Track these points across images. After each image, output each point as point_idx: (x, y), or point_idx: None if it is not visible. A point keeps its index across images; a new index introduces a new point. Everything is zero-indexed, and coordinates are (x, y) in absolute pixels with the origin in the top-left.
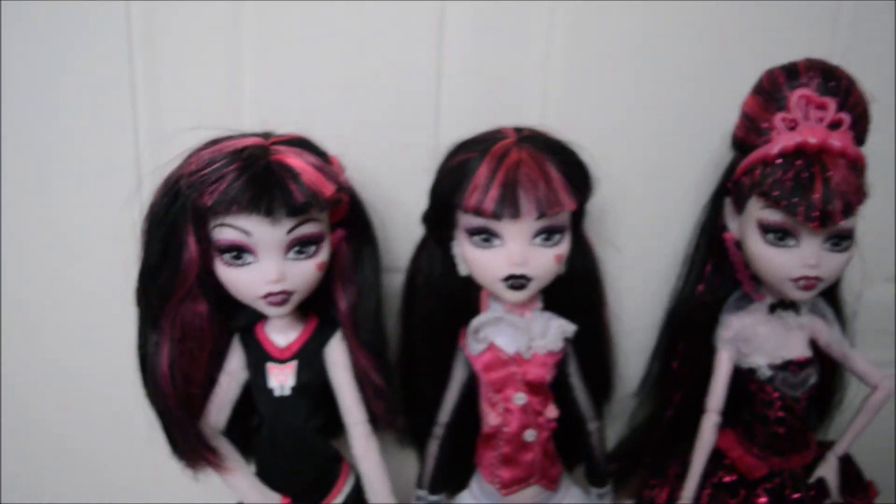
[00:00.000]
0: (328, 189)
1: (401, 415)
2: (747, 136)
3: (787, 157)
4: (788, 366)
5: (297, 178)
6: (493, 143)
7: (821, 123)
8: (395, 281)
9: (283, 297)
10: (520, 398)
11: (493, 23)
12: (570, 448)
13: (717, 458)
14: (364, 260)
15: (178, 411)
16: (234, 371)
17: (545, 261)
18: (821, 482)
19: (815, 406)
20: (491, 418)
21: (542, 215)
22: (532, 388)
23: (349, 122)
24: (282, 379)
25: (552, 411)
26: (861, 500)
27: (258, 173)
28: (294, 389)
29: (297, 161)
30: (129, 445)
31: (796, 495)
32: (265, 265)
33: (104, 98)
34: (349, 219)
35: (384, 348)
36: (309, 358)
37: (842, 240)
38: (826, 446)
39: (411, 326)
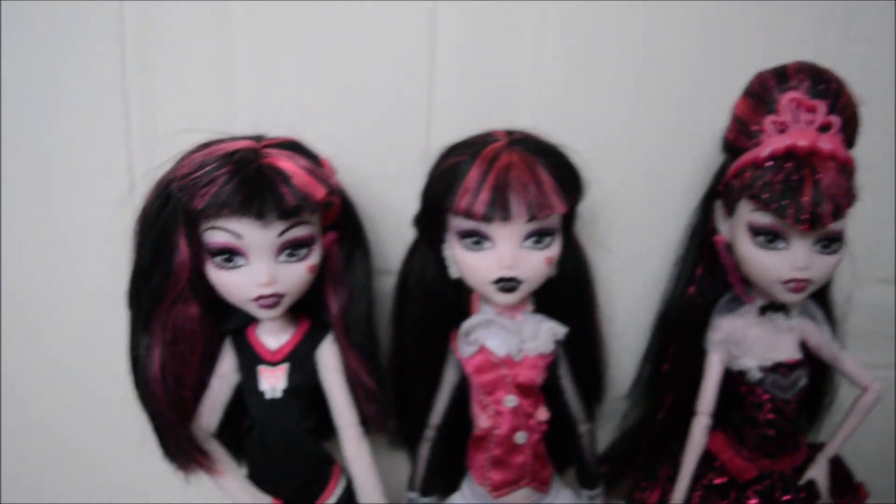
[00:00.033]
0: (319, 192)
1: (392, 417)
2: (737, 138)
3: (777, 159)
4: (778, 368)
5: (288, 181)
6: (484, 146)
7: (810, 126)
8: (386, 283)
9: (274, 300)
10: (510, 400)
11: (484, 26)
12: (561, 450)
13: (707, 460)
14: (355, 262)
15: (169, 414)
16: (225, 374)
17: (535, 263)
18: (811, 484)
19: (806, 408)
20: (482, 420)
21: (532, 218)
22: (523, 390)
23: (341, 125)
24: (273, 381)
25: (543, 413)
26: (851, 503)
27: (249, 176)
28: (285, 392)
29: (288, 164)
30: (128, 445)
31: (786, 497)
32: (256, 268)
33: (97, 101)
34: (341, 221)
35: (375, 351)
36: (300, 360)
37: (831, 242)
38: (816, 448)
39: (403, 329)
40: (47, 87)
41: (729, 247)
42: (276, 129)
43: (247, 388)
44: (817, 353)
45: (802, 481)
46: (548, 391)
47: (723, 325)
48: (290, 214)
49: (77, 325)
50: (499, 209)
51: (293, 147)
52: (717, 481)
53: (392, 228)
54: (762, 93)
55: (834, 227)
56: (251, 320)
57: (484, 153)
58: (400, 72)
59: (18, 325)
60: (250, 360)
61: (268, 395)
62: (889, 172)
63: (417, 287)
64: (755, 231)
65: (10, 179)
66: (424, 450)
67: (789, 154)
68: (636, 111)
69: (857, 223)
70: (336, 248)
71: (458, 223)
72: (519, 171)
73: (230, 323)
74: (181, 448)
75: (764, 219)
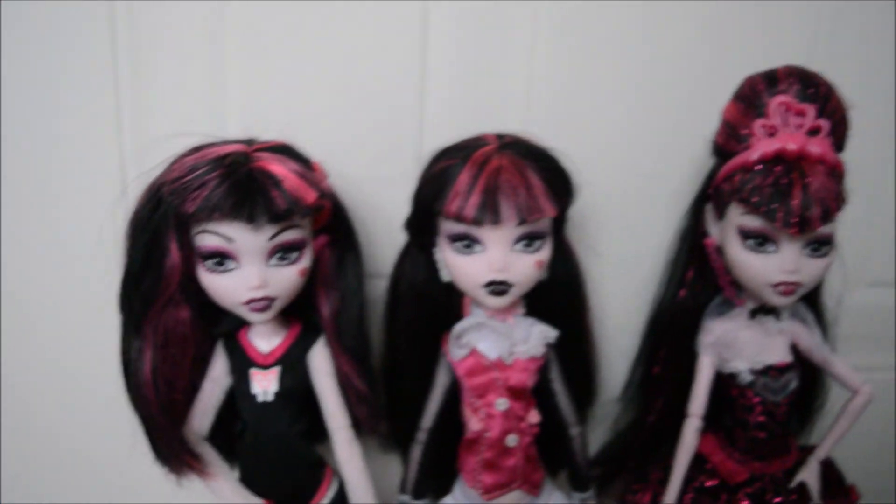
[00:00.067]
0: (310, 195)
1: (384, 420)
2: (727, 142)
3: (767, 163)
4: (769, 371)
5: (279, 185)
6: (475, 150)
7: (800, 130)
8: (378, 287)
9: (265, 304)
10: (502, 403)
11: (476, 29)
12: (552, 453)
13: (698, 462)
14: (347, 266)
15: (160, 417)
16: (217, 377)
17: (526, 267)
18: (802, 487)
19: (796, 411)
20: (473, 423)
21: (522, 221)
22: (514, 393)
23: (332, 129)
24: (265, 384)
25: (534, 416)
26: None
27: (240, 180)
28: (277, 395)
29: (279, 168)
30: (128, 446)
31: (777, 500)
32: (247, 271)
33: (89, 104)
34: (332, 225)
35: (367, 354)
36: (292, 363)
37: (821, 245)
38: (807, 451)
39: (394, 332)
40: (39, 91)
41: (719, 250)
42: (268, 132)
43: (239, 392)
44: (808, 355)
45: (793, 484)
46: (539, 394)
47: (714, 328)
48: (280, 218)
49: (73, 327)
50: (489, 213)
51: (284, 151)
52: (709, 484)
53: (384, 232)
54: (752, 96)
55: (823, 230)
56: (243, 323)
57: (474, 157)
58: (391, 76)
59: (15, 326)
60: (242, 363)
61: (260, 399)
62: (879, 176)
63: (409, 290)
64: (745, 234)
65: (10, 179)
66: (416, 452)
67: (779, 158)
68: (627, 115)
69: (848, 226)
70: (327, 251)
71: (448, 227)
72: (509, 175)
73: (222, 326)
74: (173, 451)
75: (753, 222)
